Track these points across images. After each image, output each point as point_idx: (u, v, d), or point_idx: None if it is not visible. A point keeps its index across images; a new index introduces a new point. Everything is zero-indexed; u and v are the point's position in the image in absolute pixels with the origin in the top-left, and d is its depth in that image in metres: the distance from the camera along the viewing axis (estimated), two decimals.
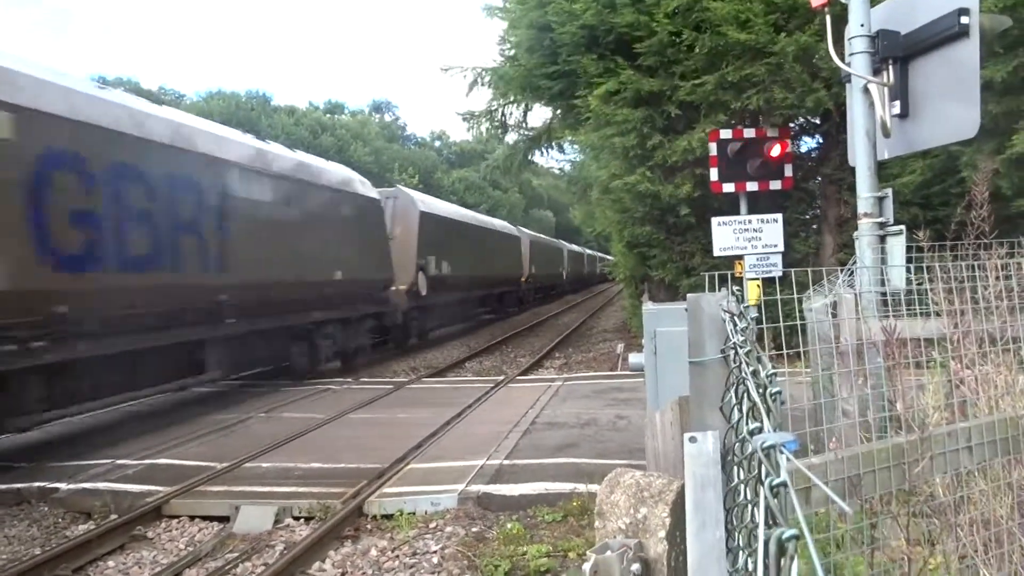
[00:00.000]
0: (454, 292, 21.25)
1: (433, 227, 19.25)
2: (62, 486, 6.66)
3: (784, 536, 0.80)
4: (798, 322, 3.14)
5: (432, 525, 5.59)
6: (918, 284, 3.13)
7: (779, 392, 1.49)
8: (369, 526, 5.74)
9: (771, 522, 1.00)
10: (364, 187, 15.68)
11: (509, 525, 5.43)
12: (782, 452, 1.02)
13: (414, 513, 5.81)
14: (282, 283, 11.54)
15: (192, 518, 6.06)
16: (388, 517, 5.81)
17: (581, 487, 5.82)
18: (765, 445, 1.05)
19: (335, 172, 14.84)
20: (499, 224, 32.04)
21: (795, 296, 3.06)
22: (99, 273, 7.95)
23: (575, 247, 56.32)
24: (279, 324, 11.83)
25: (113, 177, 8.15)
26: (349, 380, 13.05)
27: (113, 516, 6.04)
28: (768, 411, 1.32)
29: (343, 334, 14.30)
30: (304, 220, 12.31)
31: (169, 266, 9.06)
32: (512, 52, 13.19)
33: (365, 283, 14.89)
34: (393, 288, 16.58)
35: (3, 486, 6.77)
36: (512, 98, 14.31)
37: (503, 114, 15.47)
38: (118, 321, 8.23)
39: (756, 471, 1.19)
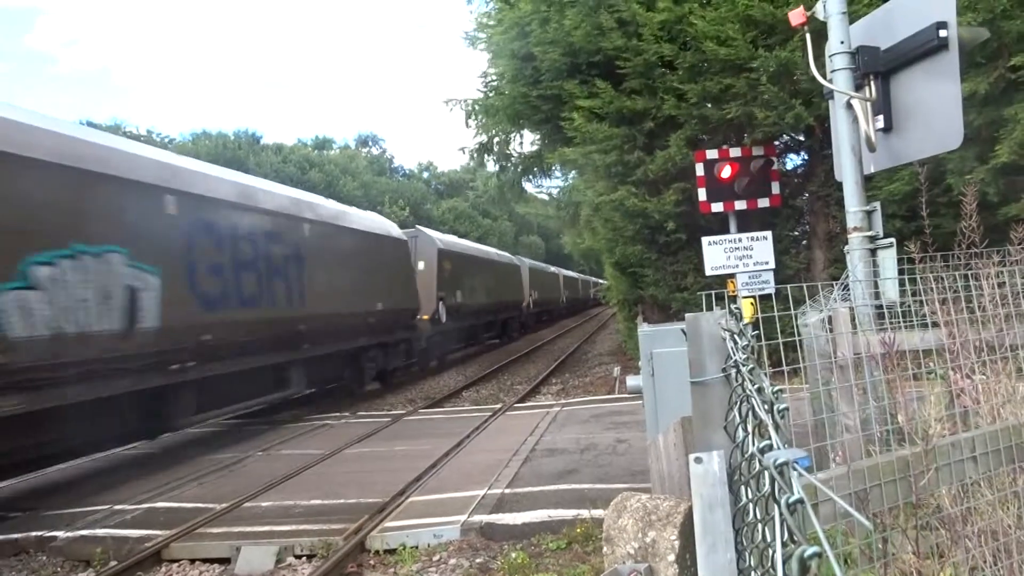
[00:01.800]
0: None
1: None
2: (60, 534, 6.57)
3: (807, 554, 0.80)
4: (796, 338, 3.14)
5: (436, 558, 5.53)
6: (912, 296, 3.14)
7: (787, 408, 1.48)
8: (372, 561, 5.68)
9: (786, 540, 1.00)
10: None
11: (513, 555, 5.37)
12: (795, 469, 1.02)
13: (417, 546, 5.74)
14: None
15: (192, 561, 5.97)
16: (391, 551, 5.74)
17: (584, 513, 5.78)
18: (778, 462, 1.05)
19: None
20: (362, 221, 16.32)
21: (791, 312, 3.07)
22: None
23: (548, 267, 45.18)
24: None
25: None
26: (346, 415, 12.98)
27: (113, 563, 5.94)
28: (776, 427, 1.32)
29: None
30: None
31: None
32: (495, 83, 13.32)
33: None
34: None
35: (0, 537, 6.67)
36: (501, 130, 14.38)
37: (504, 147, 15.54)
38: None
39: (766, 489, 1.19)
